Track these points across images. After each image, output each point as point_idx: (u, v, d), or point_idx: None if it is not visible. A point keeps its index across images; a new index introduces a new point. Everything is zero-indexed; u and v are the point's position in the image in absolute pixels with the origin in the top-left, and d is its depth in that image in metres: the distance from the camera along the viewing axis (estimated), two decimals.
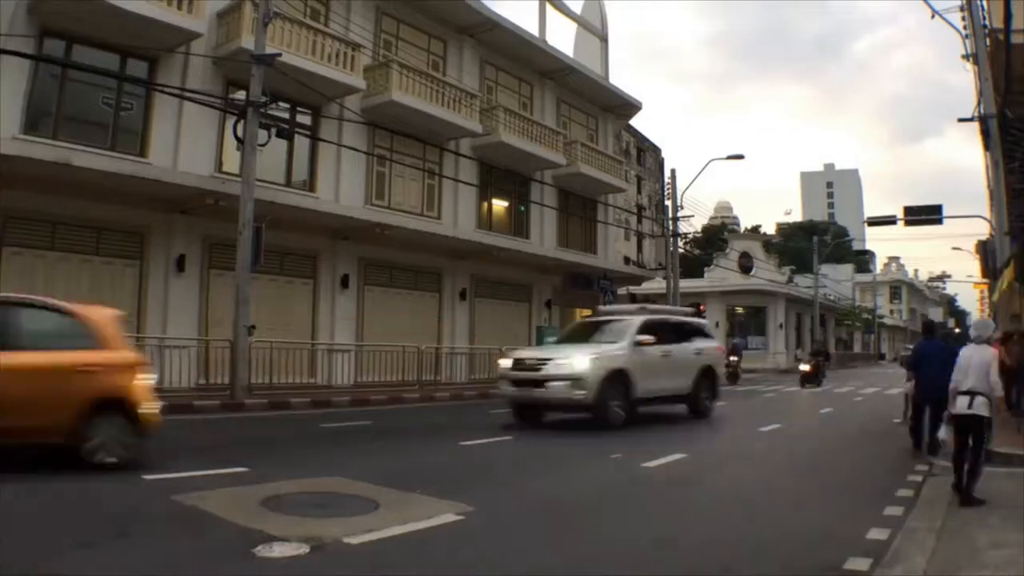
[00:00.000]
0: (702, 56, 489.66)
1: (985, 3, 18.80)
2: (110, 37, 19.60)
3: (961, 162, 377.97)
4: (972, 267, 70.42)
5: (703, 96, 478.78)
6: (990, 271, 24.29)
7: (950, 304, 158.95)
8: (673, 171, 44.39)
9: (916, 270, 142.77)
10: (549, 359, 16.58)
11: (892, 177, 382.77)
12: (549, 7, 34.98)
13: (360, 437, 14.49)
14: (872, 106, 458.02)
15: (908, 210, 30.98)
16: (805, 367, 36.90)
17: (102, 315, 10.05)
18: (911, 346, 22.85)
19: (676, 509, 8.84)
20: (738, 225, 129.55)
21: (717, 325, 60.16)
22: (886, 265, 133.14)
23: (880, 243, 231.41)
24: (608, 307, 26.19)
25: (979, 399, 8.82)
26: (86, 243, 19.70)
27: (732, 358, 36.62)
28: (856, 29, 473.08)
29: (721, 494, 9.73)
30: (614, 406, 16.14)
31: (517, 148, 30.73)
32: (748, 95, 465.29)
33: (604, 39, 39.94)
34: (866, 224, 40.94)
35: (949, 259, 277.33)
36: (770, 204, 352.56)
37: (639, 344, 17.00)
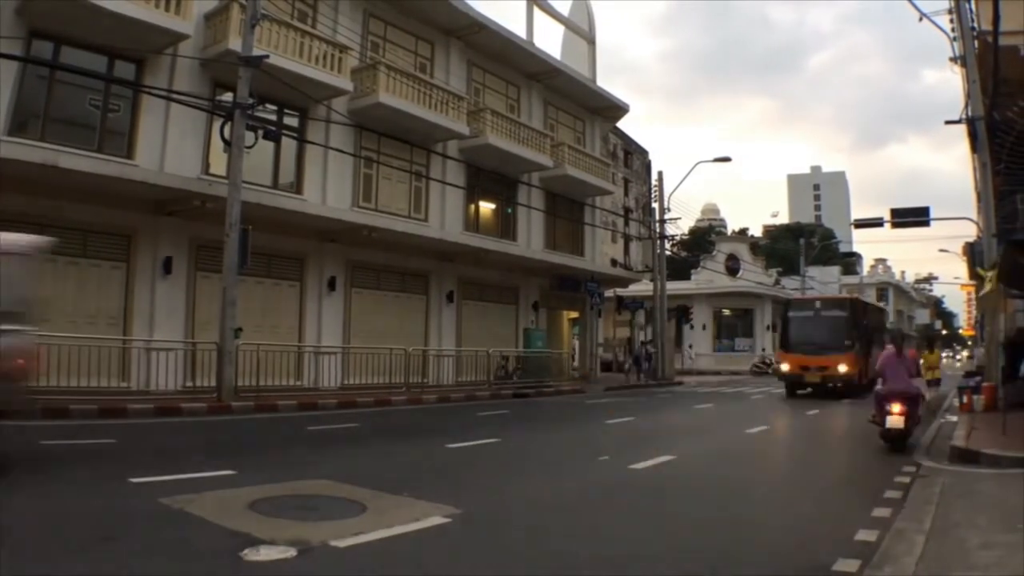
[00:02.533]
0: (660, 72, 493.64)
1: (974, 5, 18.87)
2: (98, 38, 19.52)
3: (925, 167, 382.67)
4: (959, 269, 70.72)
5: (664, 109, 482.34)
6: (977, 273, 24.38)
7: (937, 306, 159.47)
8: (660, 173, 44.58)
9: (903, 272, 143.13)
10: None
11: (858, 181, 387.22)
12: (536, 9, 34.99)
13: (347, 440, 14.44)
14: (831, 116, 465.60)
15: (895, 212, 31.00)
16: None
17: None
18: None
19: (664, 510, 8.83)
20: (725, 227, 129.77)
21: (704, 327, 60.34)
22: (873, 267, 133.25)
23: (866, 245, 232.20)
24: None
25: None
26: (73, 245, 19.56)
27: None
28: (809, 45, 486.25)
29: (709, 495, 9.72)
30: None
31: (504, 150, 30.73)
32: (711, 108, 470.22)
33: (591, 41, 39.98)
34: (853, 226, 41.04)
35: (936, 261, 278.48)
36: (754, 207, 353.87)
37: None
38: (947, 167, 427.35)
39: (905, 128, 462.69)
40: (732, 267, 63.17)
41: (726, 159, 41.78)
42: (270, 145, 22.58)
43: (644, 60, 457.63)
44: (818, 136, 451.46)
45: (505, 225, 33.93)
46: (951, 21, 21.95)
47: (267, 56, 19.50)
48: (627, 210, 69.75)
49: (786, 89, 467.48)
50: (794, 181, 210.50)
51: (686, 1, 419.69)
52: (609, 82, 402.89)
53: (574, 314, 40.17)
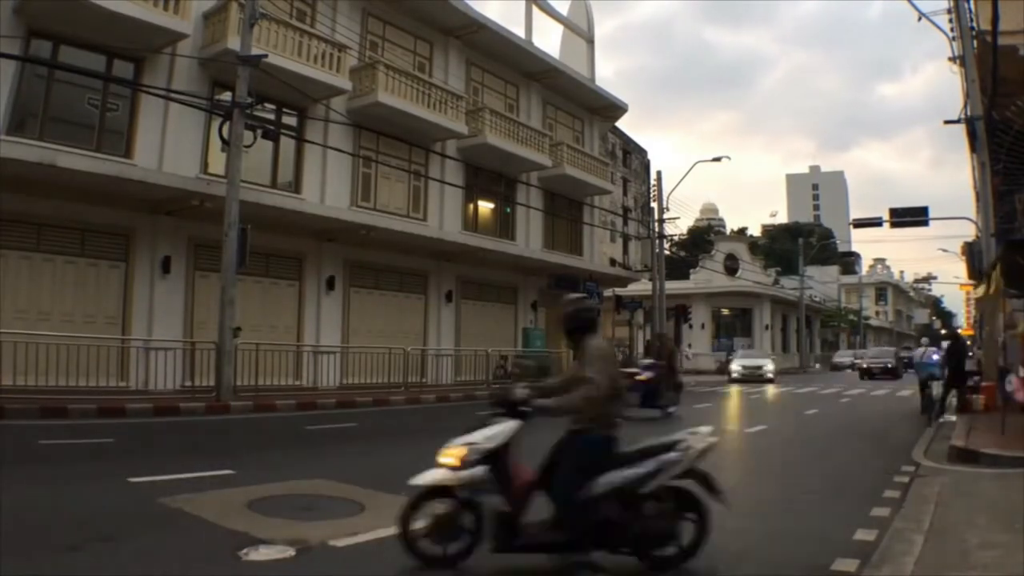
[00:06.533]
0: (621, 88, 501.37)
1: (972, 5, 18.89)
2: (96, 38, 19.50)
3: (889, 170, 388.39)
4: (958, 269, 70.78)
5: (633, 120, 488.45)
6: (976, 273, 24.39)
7: (936, 305, 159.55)
8: (659, 173, 44.57)
9: (902, 272, 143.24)
10: None
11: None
12: (535, 9, 34.98)
13: (346, 439, 14.45)
14: (791, 125, 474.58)
15: (894, 212, 31.10)
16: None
17: None
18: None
19: None
20: (724, 227, 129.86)
21: (703, 327, 60.37)
22: (871, 267, 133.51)
23: (866, 245, 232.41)
24: None
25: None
26: (71, 244, 19.59)
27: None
28: (756, 63, 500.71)
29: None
30: None
31: (503, 149, 30.70)
32: (678, 121, 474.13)
33: (590, 41, 39.95)
34: (851, 226, 41.11)
35: (934, 260, 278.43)
36: (752, 207, 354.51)
37: None
38: (914, 169, 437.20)
39: (865, 135, 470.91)
40: (731, 267, 63.18)
41: (723, 158, 41.95)
42: (269, 144, 22.55)
43: (603, 78, 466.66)
44: (782, 145, 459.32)
45: (504, 224, 33.91)
46: (950, 21, 22.00)
47: (266, 55, 19.49)
48: (626, 209, 69.71)
49: (745, 103, 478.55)
50: (793, 181, 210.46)
51: (626, 26, 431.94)
52: None
53: None
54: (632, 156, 75.30)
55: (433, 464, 6.04)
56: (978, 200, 24.17)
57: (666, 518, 6.13)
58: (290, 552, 6.12)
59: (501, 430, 6.30)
